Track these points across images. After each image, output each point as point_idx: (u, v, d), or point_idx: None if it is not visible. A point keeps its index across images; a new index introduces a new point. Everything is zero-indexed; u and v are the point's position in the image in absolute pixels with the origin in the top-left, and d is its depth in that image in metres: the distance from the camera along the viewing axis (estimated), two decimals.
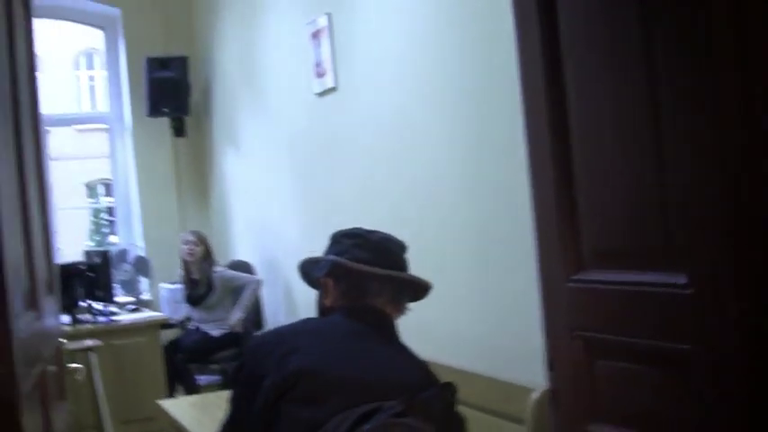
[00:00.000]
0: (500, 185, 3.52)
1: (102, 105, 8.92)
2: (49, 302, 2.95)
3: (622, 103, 2.15)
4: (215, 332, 6.54)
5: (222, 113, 7.56)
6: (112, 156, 8.31)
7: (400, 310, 2.33)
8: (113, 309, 6.77)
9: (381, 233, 2.34)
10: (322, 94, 5.35)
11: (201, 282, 6.63)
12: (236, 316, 6.46)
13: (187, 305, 6.77)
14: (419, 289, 2.34)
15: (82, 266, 6.45)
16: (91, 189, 24.67)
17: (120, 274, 7.44)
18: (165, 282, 7.41)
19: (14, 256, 2.17)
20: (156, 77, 7.44)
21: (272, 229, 6.55)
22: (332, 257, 2.29)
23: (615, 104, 2.18)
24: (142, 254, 7.65)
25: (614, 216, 2.21)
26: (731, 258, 1.86)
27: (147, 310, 7.16)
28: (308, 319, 2.33)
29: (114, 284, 7.31)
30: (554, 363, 2.49)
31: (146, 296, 7.68)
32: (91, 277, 6.41)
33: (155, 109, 7.54)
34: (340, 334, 2.20)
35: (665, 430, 2.10)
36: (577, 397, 2.39)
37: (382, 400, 1.96)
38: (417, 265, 2.41)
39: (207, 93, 7.86)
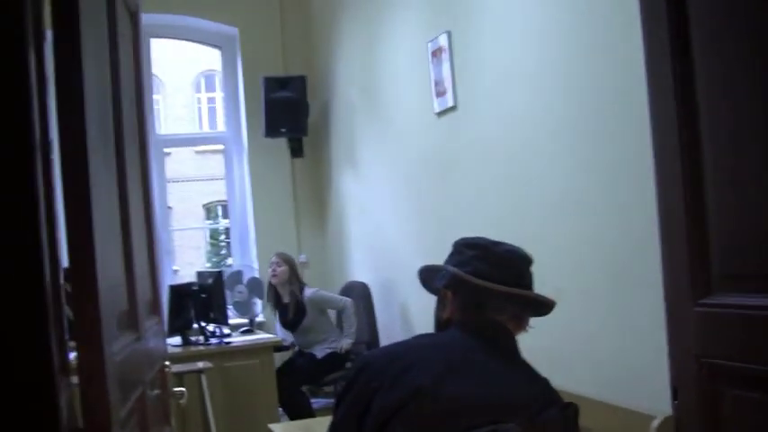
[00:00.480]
0: (627, 207, 3.36)
1: (221, 126, 8.93)
2: (153, 324, 2.84)
3: (754, 120, 1.98)
4: (319, 354, 6.47)
5: (341, 133, 7.49)
6: (228, 176, 8.30)
7: (522, 326, 2.18)
8: (226, 330, 6.72)
9: (506, 245, 2.19)
10: (441, 113, 5.25)
11: (291, 305, 6.58)
12: (346, 342, 6.36)
13: (283, 330, 6.74)
14: (543, 306, 2.17)
15: (195, 288, 6.41)
16: (209, 210, 25.09)
17: (234, 295, 7.38)
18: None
19: (110, 278, 2.07)
20: (273, 97, 7.41)
21: (389, 249, 6.42)
22: (452, 269, 2.16)
23: (747, 121, 2.01)
24: (256, 275, 7.58)
25: (746, 237, 2.03)
26: None
27: (260, 332, 7.09)
28: (423, 335, 2.20)
29: (228, 306, 7.29)
30: (678, 390, 2.32)
31: (260, 318, 7.61)
32: (204, 299, 6.36)
33: (272, 129, 7.51)
34: (457, 350, 2.06)
35: None
36: (702, 428, 2.22)
37: (499, 421, 1.85)
38: (538, 283, 2.25)
39: (325, 112, 7.80)
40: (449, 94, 5.09)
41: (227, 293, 7.34)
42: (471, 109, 4.86)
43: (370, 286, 6.74)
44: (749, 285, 2.03)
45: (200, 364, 5.59)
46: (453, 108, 5.06)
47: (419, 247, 5.75)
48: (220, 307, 6.56)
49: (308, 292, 6.63)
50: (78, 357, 1.87)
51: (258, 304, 7.58)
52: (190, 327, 6.41)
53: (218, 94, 23.42)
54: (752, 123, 2.00)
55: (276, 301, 6.83)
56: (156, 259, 2.99)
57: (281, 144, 7.81)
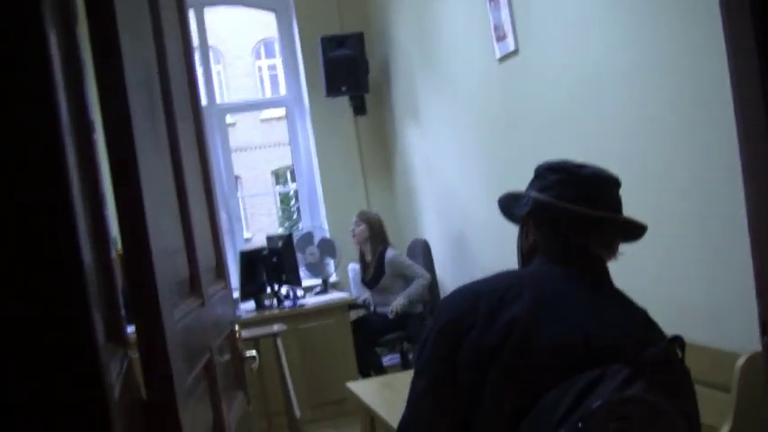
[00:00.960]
0: (707, 144, 3.25)
1: (283, 91, 8.89)
2: (219, 289, 2.81)
3: None
4: (391, 315, 6.43)
5: (402, 88, 7.40)
6: (293, 139, 8.28)
7: (612, 253, 2.00)
8: (300, 293, 6.73)
9: (592, 167, 2.00)
10: (503, 58, 5.15)
11: (371, 264, 6.55)
12: (399, 302, 6.34)
13: (364, 287, 6.72)
14: (634, 231, 2.01)
15: (265, 252, 6.42)
16: (277, 176, 25.19)
17: (306, 257, 7.39)
18: (353, 262, 7.32)
19: (166, 245, 2.02)
20: (332, 56, 7.35)
21: (458, 203, 6.34)
22: (534, 194, 2.00)
23: None
24: (327, 236, 7.57)
25: None
26: None
27: (335, 291, 7.08)
28: (507, 272, 2.00)
29: (301, 268, 7.30)
30: (766, 326, 2.17)
31: (334, 278, 7.62)
32: (274, 262, 6.36)
33: (333, 88, 7.45)
34: (546, 282, 1.90)
35: None
36: None
37: (604, 363, 1.67)
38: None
39: (385, 68, 7.71)
40: (509, 38, 4.98)
41: (299, 256, 7.36)
42: (533, 52, 4.75)
43: (432, 245, 6.70)
44: None
45: (275, 328, 5.59)
46: (515, 52, 4.96)
47: (489, 200, 5.63)
48: (292, 269, 6.56)
49: (389, 253, 6.60)
50: (136, 327, 1.84)
51: (331, 264, 7.58)
52: (263, 291, 6.42)
53: (278, 60, 23.58)
54: None
55: (361, 258, 6.84)
56: (218, 225, 2.94)
57: (344, 103, 7.76)
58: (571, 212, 1.91)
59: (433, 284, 6.58)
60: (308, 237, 7.48)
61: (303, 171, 8.22)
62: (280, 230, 20.82)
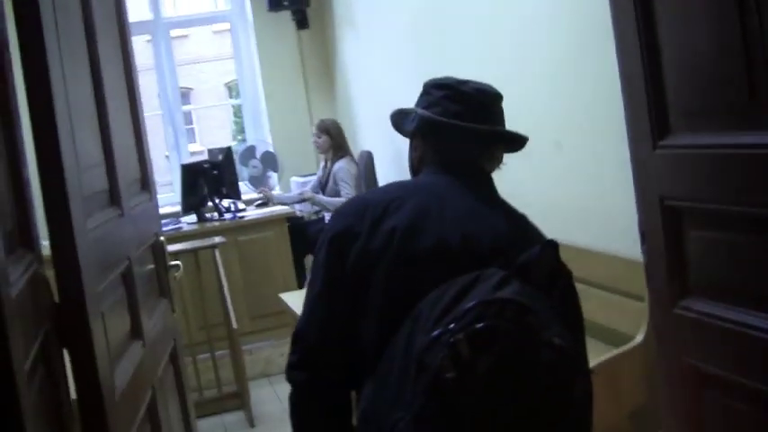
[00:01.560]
0: (594, 70, 3.44)
1: (224, 3, 8.89)
2: (143, 201, 2.93)
3: None
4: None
5: (342, 1, 7.40)
6: (237, 53, 8.31)
7: (496, 163, 2.12)
8: (241, 206, 6.83)
9: (474, 83, 2.10)
10: None
11: (324, 173, 6.67)
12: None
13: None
14: (515, 142, 2.11)
15: (206, 165, 6.49)
16: (230, 89, 25.00)
17: (249, 170, 7.49)
18: (296, 175, 7.43)
19: (80, 160, 2.13)
20: None
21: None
22: (420, 110, 2.11)
23: None
24: (270, 149, 7.65)
25: (700, 77, 2.03)
26: None
27: (275, 205, 7.19)
28: (397, 182, 2.15)
29: (245, 181, 7.40)
30: (646, 235, 2.34)
31: (276, 191, 7.72)
32: (215, 176, 6.45)
33: (275, 2, 7.47)
34: (432, 191, 2.01)
35: (760, 303, 1.95)
36: (669, 271, 2.25)
37: (482, 266, 1.77)
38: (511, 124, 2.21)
39: None
40: None
41: (243, 169, 7.46)
42: None
43: (374, 156, 6.79)
44: (703, 124, 2.05)
45: (216, 240, 5.69)
46: None
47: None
48: (232, 183, 6.66)
49: (337, 165, 6.67)
50: (49, 234, 1.97)
51: (273, 177, 7.68)
52: (204, 204, 6.52)
53: None
54: None
55: (324, 169, 6.95)
56: (143, 139, 3.04)
57: (286, 17, 7.77)
58: (454, 127, 2.02)
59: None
60: (251, 150, 7.57)
61: (247, 85, 8.27)
62: (233, 143, 20.80)
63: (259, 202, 7.12)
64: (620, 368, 3.25)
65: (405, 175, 2.21)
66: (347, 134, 6.96)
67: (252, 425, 5.46)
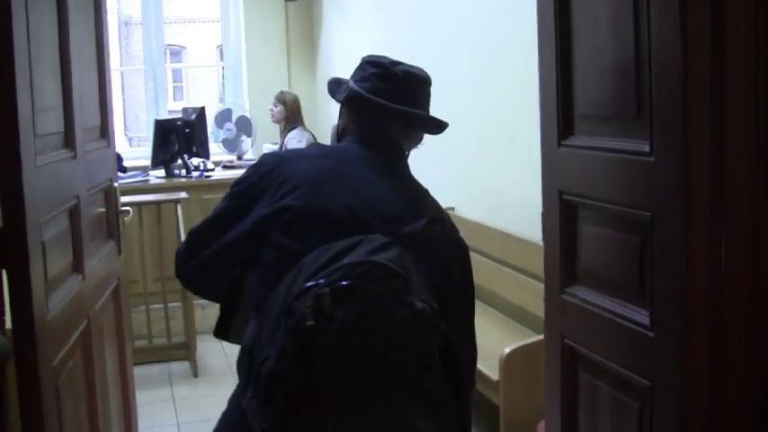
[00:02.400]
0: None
1: None
2: (101, 146, 3.12)
3: None
4: None
5: None
6: (224, 17, 8.46)
7: (412, 140, 2.32)
8: (210, 165, 7.01)
9: (406, 65, 2.27)
10: None
11: (280, 142, 6.83)
12: None
13: None
14: (436, 126, 2.30)
15: (179, 123, 6.66)
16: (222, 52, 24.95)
17: (224, 132, 7.66)
18: (269, 143, 7.61)
19: (38, 101, 2.32)
20: None
21: None
22: (351, 84, 2.28)
23: None
24: (246, 114, 7.83)
25: (601, 86, 2.24)
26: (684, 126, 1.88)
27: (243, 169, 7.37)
28: (317, 145, 2.35)
29: (218, 143, 7.58)
30: (545, 225, 2.55)
31: (249, 156, 7.90)
32: (187, 133, 6.62)
33: None
34: (341, 158, 2.20)
35: (629, 295, 2.16)
36: (562, 259, 2.46)
37: (369, 231, 1.97)
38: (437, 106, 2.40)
39: None
40: None
41: (218, 130, 7.63)
42: None
43: None
44: (598, 129, 2.25)
45: (181, 195, 5.88)
46: None
47: None
48: (202, 142, 6.84)
49: (290, 135, 6.86)
50: None
51: (247, 142, 7.86)
52: (174, 160, 6.69)
53: None
54: None
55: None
56: (106, 88, 3.24)
57: None
58: (377, 104, 2.21)
59: None
60: (227, 113, 7.75)
61: (231, 49, 8.45)
62: (219, 105, 20.90)
63: (226, 164, 7.31)
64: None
65: None
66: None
67: (195, 375, 5.70)
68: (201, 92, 23.78)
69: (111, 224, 3.30)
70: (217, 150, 7.72)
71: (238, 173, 6.68)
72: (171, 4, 23.26)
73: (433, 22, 5.22)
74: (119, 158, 7.06)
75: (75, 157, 2.73)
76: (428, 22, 5.29)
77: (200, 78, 24.78)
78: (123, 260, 3.49)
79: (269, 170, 2.16)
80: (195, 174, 6.72)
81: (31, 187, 2.23)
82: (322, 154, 2.25)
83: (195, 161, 6.93)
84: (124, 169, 6.93)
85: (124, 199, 5.81)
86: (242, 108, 7.98)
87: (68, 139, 2.70)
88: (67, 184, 2.67)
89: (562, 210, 2.43)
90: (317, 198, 2.08)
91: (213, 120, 7.76)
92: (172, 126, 6.62)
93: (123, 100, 23.12)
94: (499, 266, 4.59)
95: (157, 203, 5.74)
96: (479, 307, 4.44)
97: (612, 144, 2.16)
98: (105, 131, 3.26)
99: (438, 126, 2.31)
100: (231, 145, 7.73)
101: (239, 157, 7.67)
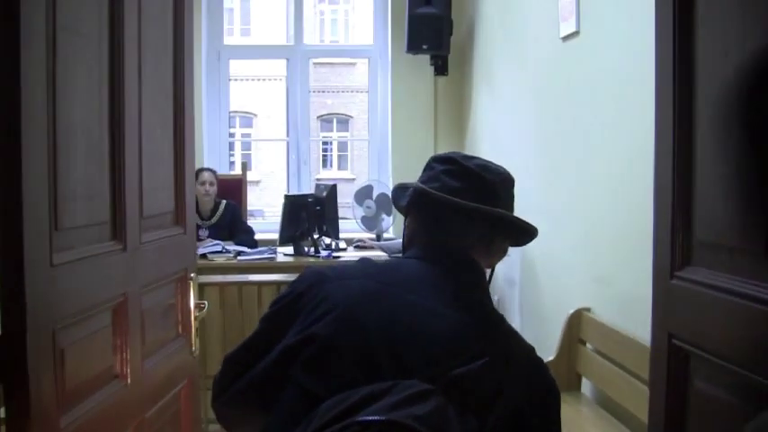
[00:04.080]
0: None
1: (360, 38, 8.91)
2: (168, 233, 2.84)
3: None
4: None
5: (482, 55, 7.29)
6: (372, 89, 8.26)
7: (492, 254, 1.89)
8: (342, 245, 6.75)
9: (481, 160, 1.89)
10: (566, 38, 5.02)
11: None
12: None
13: None
14: (520, 232, 1.88)
15: (309, 199, 6.42)
16: (324, 122, 25.00)
17: (362, 210, 7.40)
18: None
19: (47, 187, 1.99)
20: (417, 13, 7.25)
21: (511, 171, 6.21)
22: (416, 184, 1.88)
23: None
24: (387, 191, 7.54)
25: (725, 209, 1.78)
26: None
27: (378, 249, 7.05)
28: (366, 261, 1.88)
29: (357, 220, 7.32)
30: (651, 373, 2.12)
31: (389, 234, 7.60)
32: (318, 211, 6.37)
33: (414, 45, 7.38)
34: (390, 280, 1.77)
35: None
36: (667, 418, 2.01)
37: (406, 373, 1.58)
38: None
39: (470, 31, 7.60)
40: (572, 19, 4.85)
41: (357, 207, 7.37)
42: (594, 35, 4.64)
43: None
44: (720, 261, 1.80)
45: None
46: (576, 33, 4.84)
47: (540, 172, 5.52)
48: (332, 221, 6.56)
49: None
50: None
51: (387, 220, 7.56)
52: (304, 237, 6.45)
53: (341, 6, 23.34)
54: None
55: None
56: (184, 171, 2.95)
57: (424, 61, 7.69)
58: (447, 203, 1.80)
59: None
60: (368, 190, 7.46)
61: (377, 123, 8.22)
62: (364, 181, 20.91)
63: (358, 243, 7.01)
64: None
65: None
66: None
67: None
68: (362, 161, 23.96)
69: (184, 319, 3.00)
70: (354, 227, 7.46)
71: (372, 254, 6.55)
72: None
73: (584, 109, 4.79)
74: (250, 232, 6.95)
75: (124, 249, 2.44)
76: (579, 97, 4.86)
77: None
78: (200, 357, 3.18)
79: (306, 289, 1.79)
80: (324, 253, 6.43)
81: (42, 288, 1.93)
82: (366, 272, 1.81)
83: (327, 240, 6.67)
84: (255, 243, 6.76)
85: (250, 277, 5.71)
86: (384, 185, 7.69)
87: (116, 230, 2.41)
88: (109, 279, 2.37)
89: (671, 357, 1.95)
90: (348, 328, 1.68)
91: (353, 196, 7.51)
92: (302, 202, 6.38)
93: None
94: (633, 381, 4.06)
95: (278, 284, 5.48)
96: (607, 421, 4.00)
97: (735, 285, 1.68)
98: (181, 216, 2.97)
99: (526, 232, 1.88)
100: (370, 223, 7.43)
101: (378, 237, 7.36)
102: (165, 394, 2.81)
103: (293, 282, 1.86)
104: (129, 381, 2.46)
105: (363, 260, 1.88)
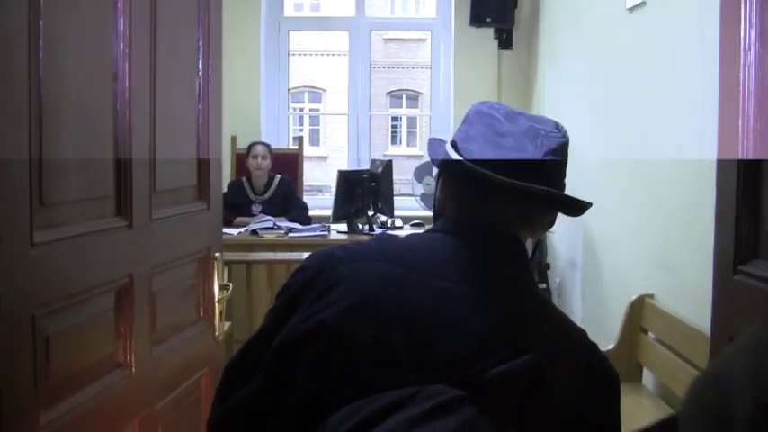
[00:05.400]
0: None
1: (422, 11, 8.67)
2: (187, 209, 2.63)
3: None
4: None
5: (547, 28, 7.03)
6: (434, 64, 8.00)
7: (538, 227, 1.60)
8: (398, 223, 6.55)
9: (530, 117, 1.56)
10: (632, 9, 4.76)
11: None
12: None
13: None
14: (570, 206, 1.56)
15: (365, 175, 6.21)
16: (393, 98, 24.79)
17: (422, 187, 7.18)
18: None
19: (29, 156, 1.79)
20: None
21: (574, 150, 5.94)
22: (448, 145, 1.59)
23: None
24: None
25: None
26: None
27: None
28: (386, 238, 1.59)
29: (417, 197, 7.13)
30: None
31: None
32: (372, 187, 6.16)
33: (477, 18, 7.16)
34: (413, 262, 1.47)
35: None
36: None
37: (438, 376, 1.30)
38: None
39: (535, 4, 7.34)
40: None
41: (417, 184, 7.16)
42: (660, 5, 4.37)
43: None
44: None
45: None
46: (643, 4, 4.58)
47: (604, 145, 5.27)
48: (386, 197, 6.34)
49: None
50: None
51: None
52: (358, 215, 6.24)
53: None
54: None
55: None
56: (205, 145, 2.72)
57: (488, 34, 7.44)
58: (480, 177, 1.48)
59: (543, 243, 6.21)
60: (427, 166, 7.22)
61: (440, 97, 7.97)
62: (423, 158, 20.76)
63: (415, 222, 6.78)
64: None
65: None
66: None
67: None
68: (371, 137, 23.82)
69: (206, 302, 2.79)
70: (414, 205, 7.24)
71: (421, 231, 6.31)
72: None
73: (650, 82, 4.49)
74: (304, 208, 6.76)
75: (130, 226, 2.22)
76: (644, 69, 4.57)
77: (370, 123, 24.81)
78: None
79: (316, 274, 1.48)
80: (378, 230, 6.21)
81: (18, 270, 1.73)
82: (385, 253, 1.50)
83: (382, 217, 6.45)
84: (309, 220, 6.58)
85: (302, 255, 5.47)
86: None
87: (120, 205, 2.19)
88: (111, 259, 2.16)
89: None
90: (364, 320, 1.39)
91: (413, 173, 7.29)
92: (357, 178, 6.16)
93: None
94: (697, 373, 3.77)
95: None
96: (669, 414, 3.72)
97: None
98: (204, 191, 2.75)
99: (576, 207, 1.56)
100: (429, 200, 7.19)
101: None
102: (181, 383, 2.60)
103: (300, 267, 1.56)
104: (133, 369, 2.25)
105: (381, 238, 1.60)
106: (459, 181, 1.57)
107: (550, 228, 1.64)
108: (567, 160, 1.57)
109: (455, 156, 1.54)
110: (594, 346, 1.49)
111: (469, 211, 1.53)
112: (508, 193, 1.48)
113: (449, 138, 1.65)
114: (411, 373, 1.32)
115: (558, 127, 1.56)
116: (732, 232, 1.65)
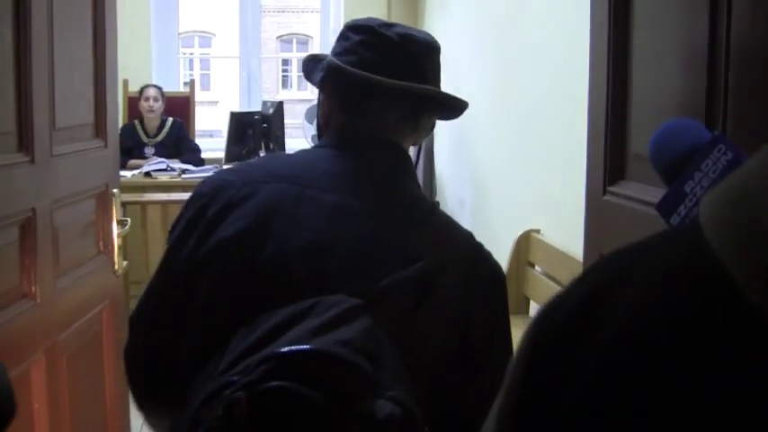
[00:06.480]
0: None
1: None
2: (86, 146, 2.69)
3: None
4: None
5: None
6: (324, 9, 8.07)
7: (419, 132, 1.67)
8: None
9: (402, 27, 1.62)
10: None
11: None
12: None
13: None
14: (449, 107, 1.66)
15: (256, 116, 6.26)
16: (284, 43, 24.68)
17: (313, 128, 7.25)
18: None
19: None
20: None
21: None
22: (330, 58, 1.63)
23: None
24: None
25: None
26: None
27: None
28: (271, 158, 1.68)
29: (307, 138, 7.19)
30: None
31: None
32: (264, 128, 6.22)
33: None
34: (302, 175, 1.53)
35: None
36: None
37: (333, 287, 1.36)
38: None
39: None
40: None
41: (307, 126, 7.23)
42: None
43: (434, 133, 6.48)
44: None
45: None
46: None
47: (491, 99, 5.39)
48: (277, 138, 6.40)
49: None
50: None
51: None
52: (250, 155, 6.30)
53: None
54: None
55: None
56: (104, 82, 2.79)
57: None
58: (367, 81, 1.55)
59: (432, 182, 6.37)
60: (316, 108, 7.31)
61: (329, 40, 8.04)
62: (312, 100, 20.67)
63: None
64: None
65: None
66: None
67: None
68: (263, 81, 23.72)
69: (106, 236, 2.86)
70: (305, 146, 7.31)
71: None
72: None
73: (533, 27, 4.65)
74: (196, 150, 6.78)
75: (32, 161, 2.28)
76: (527, 17, 4.73)
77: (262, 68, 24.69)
78: (125, 276, 3.05)
79: (208, 201, 1.52)
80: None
81: None
82: (276, 173, 1.56)
83: None
84: (201, 162, 6.60)
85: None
86: None
87: (22, 141, 2.25)
88: (14, 193, 2.22)
89: None
90: (260, 241, 1.45)
91: (304, 115, 7.35)
92: (249, 120, 6.21)
93: None
94: None
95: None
96: None
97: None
98: (101, 129, 2.81)
99: (455, 107, 1.66)
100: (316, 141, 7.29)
101: None
102: (83, 315, 2.68)
103: (190, 197, 1.59)
104: (38, 300, 2.32)
105: (271, 157, 1.69)
106: (343, 91, 1.63)
107: (430, 132, 1.73)
108: (440, 67, 1.67)
109: (340, 66, 1.59)
110: (480, 245, 1.60)
111: (355, 120, 1.61)
112: (392, 94, 1.57)
113: None
114: (310, 286, 1.38)
115: (430, 36, 1.66)
116: (601, 156, 1.81)
